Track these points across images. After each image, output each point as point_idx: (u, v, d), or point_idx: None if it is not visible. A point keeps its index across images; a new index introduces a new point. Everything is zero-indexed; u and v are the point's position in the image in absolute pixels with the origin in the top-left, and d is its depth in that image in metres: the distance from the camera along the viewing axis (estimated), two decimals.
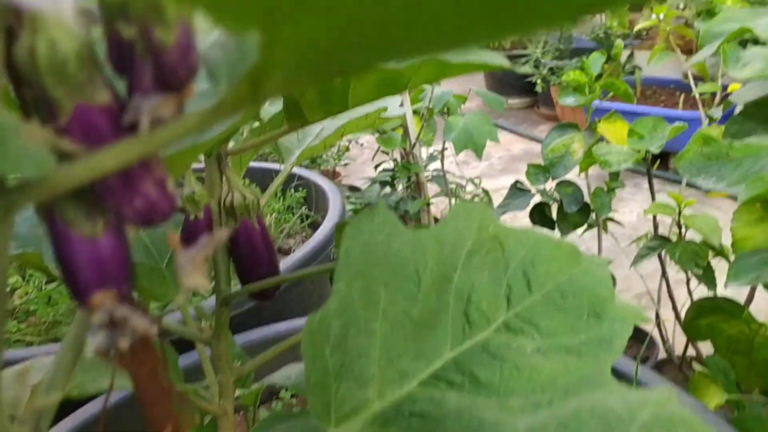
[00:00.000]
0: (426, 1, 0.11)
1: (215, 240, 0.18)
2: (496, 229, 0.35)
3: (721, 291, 0.85)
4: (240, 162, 0.50)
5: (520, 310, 0.33)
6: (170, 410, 0.24)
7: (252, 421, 0.65)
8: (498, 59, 0.36)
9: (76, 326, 0.22)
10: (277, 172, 1.26)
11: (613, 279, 1.49)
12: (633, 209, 2.59)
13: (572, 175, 1.37)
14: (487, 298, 0.33)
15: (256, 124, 0.48)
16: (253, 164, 1.21)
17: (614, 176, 1.33)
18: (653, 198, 1.04)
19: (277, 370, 0.65)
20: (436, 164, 1.90)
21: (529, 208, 1.45)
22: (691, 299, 1.01)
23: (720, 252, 0.81)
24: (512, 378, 0.30)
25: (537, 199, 1.44)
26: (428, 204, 1.61)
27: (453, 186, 1.96)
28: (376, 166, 2.11)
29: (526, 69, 3.34)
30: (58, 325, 0.84)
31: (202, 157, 0.43)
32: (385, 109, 0.56)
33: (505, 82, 3.86)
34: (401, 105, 0.61)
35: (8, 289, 0.88)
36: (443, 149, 1.77)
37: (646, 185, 2.90)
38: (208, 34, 0.17)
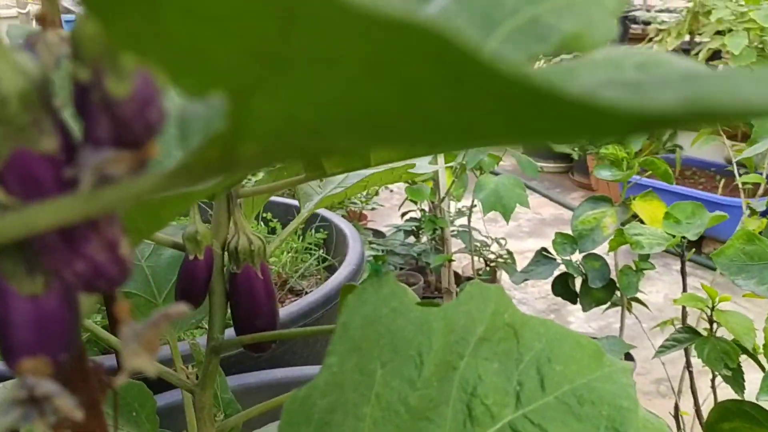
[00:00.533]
0: (424, 92, 0.09)
1: (169, 317, 0.15)
2: (512, 316, 0.32)
3: (749, 393, 0.80)
4: (252, 205, 0.47)
5: (530, 411, 0.30)
6: None
7: None
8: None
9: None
10: (296, 208, 1.24)
11: (633, 360, 1.43)
12: (660, 290, 2.52)
13: (599, 249, 1.33)
14: (494, 393, 0.30)
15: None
16: (275, 198, 1.20)
17: (644, 256, 1.29)
18: (684, 287, 1.00)
19: (271, 422, 0.62)
20: (464, 220, 1.87)
21: (552, 278, 1.41)
22: (715, 395, 0.95)
23: (752, 355, 0.76)
24: None
25: (562, 269, 1.40)
26: (450, 260, 1.57)
27: (478, 244, 1.92)
28: (403, 214, 2.09)
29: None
30: None
31: None
32: (413, 166, 0.54)
33: (543, 145, 3.83)
34: (431, 162, 0.59)
35: None
36: (472, 206, 1.75)
37: (676, 266, 2.81)
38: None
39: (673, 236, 0.90)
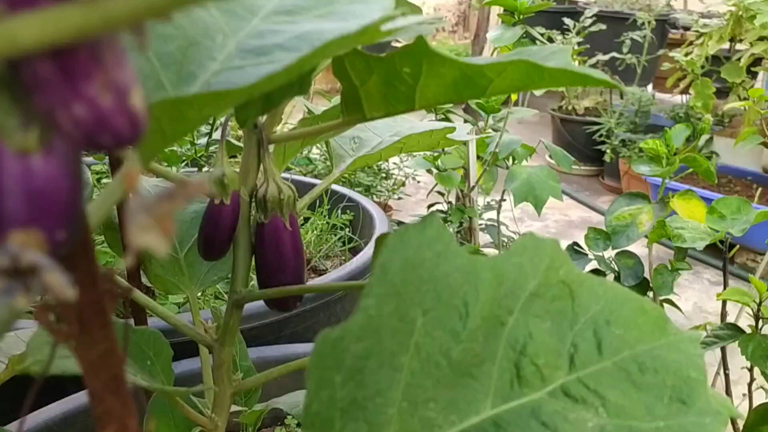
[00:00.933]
0: None
1: (188, 188, 0.13)
2: (568, 273, 0.28)
3: None
4: (284, 154, 0.44)
5: (585, 375, 0.26)
6: (126, 407, 0.19)
7: None
8: (602, 75, 0.30)
9: None
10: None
11: None
12: (689, 297, 2.46)
13: (632, 247, 1.28)
14: (545, 353, 0.26)
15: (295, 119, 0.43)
16: (294, 177, 1.17)
17: (681, 256, 1.24)
18: (726, 284, 0.95)
19: (288, 393, 0.59)
20: (492, 214, 1.83)
21: None
22: (750, 400, 0.91)
23: None
24: None
25: (594, 265, 1.35)
26: (478, 252, 1.54)
27: (505, 239, 1.88)
28: (429, 206, 2.05)
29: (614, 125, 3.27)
30: None
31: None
32: (452, 130, 0.50)
33: (573, 147, 3.77)
34: (467, 141, 0.56)
35: None
36: (501, 200, 1.71)
37: (707, 275, 2.74)
38: None
39: (717, 231, 0.86)
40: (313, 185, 1.23)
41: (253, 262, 0.41)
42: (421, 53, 0.29)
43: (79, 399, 0.60)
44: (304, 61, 0.21)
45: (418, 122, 0.56)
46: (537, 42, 1.39)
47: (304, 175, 1.38)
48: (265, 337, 0.80)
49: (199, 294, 0.85)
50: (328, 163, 1.63)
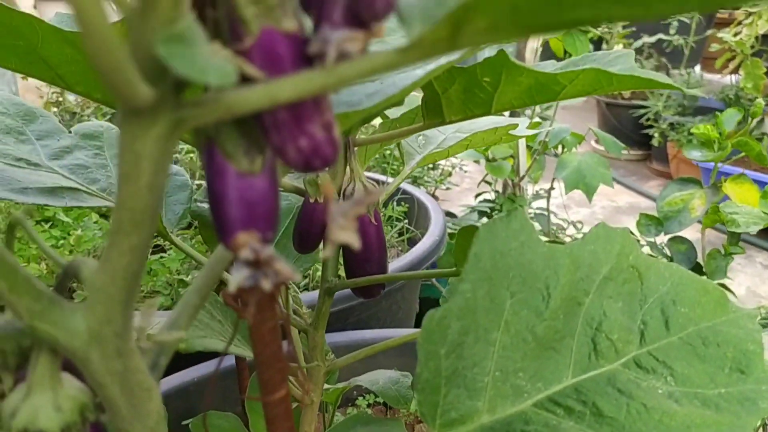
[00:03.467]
0: None
1: (371, 198, 0.17)
2: (636, 258, 0.32)
3: None
4: (365, 155, 0.49)
5: (654, 348, 0.30)
6: (284, 375, 0.23)
7: (330, 421, 0.64)
8: (665, 78, 0.33)
9: (206, 273, 0.21)
10: (382, 182, 1.25)
11: None
12: (742, 282, 2.43)
13: (684, 233, 1.29)
14: (618, 330, 0.30)
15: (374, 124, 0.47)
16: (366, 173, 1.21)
17: (734, 240, 1.25)
18: None
19: (357, 376, 0.64)
20: (539, 203, 1.85)
21: None
22: None
23: None
24: (640, 418, 0.27)
25: (646, 251, 1.37)
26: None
27: (554, 228, 1.90)
28: (477, 195, 2.08)
29: (665, 110, 3.23)
30: (156, 295, 0.87)
31: None
32: (515, 126, 0.54)
33: (620, 132, 3.73)
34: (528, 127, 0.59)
35: None
36: (551, 188, 1.73)
37: (760, 258, 2.69)
38: None
39: None
40: (377, 180, 1.28)
41: (340, 255, 0.45)
42: (501, 64, 0.33)
43: (201, 369, 0.67)
44: (415, 84, 0.25)
45: (480, 119, 0.60)
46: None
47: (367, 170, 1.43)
48: (332, 325, 0.85)
49: None
50: (378, 157, 1.67)
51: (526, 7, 0.13)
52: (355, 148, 0.44)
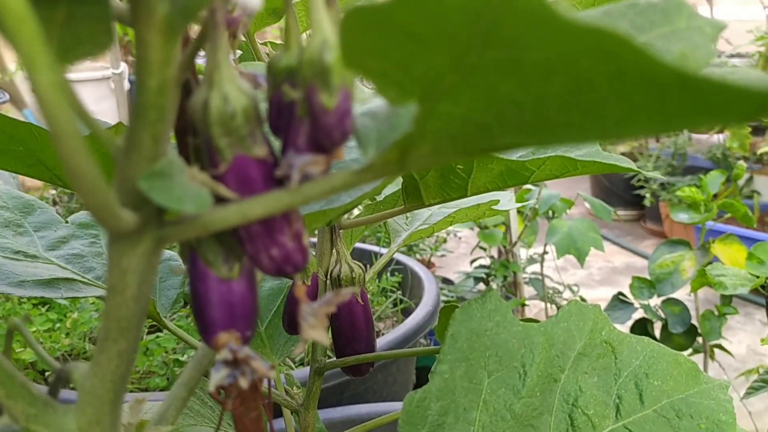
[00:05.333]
0: (590, 86, 0.11)
1: (339, 298, 0.19)
2: (609, 334, 0.33)
3: None
4: (350, 237, 0.51)
5: (630, 422, 0.31)
6: None
7: None
8: (628, 162, 0.36)
9: (193, 366, 0.23)
10: (375, 253, 1.27)
11: None
12: (742, 340, 2.42)
13: (678, 293, 1.30)
14: (594, 404, 0.31)
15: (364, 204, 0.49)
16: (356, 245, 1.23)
17: (727, 301, 1.26)
18: None
19: None
20: (535, 267, 1.86)
21: (630, 322, 1.38)
22: None
23: None
24: None
25: (640, 314, 1.37)
26: (523, 305, 1.57)
27: (550, 291, 1.90)
28: (472, 261, 2.09)
29: (652, 172, 3.27)
30: (152, 376, 0.87)
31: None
32: (497, 202, 0.56)
33: (612, 193, 3.78)
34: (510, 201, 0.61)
35: None
36: (544, 252, 1.74)
37: (759, 315, 2.68)
38: (361, 103, 0.18)
39: (757, 277, 0.89)
40: (371, 251, 1.30)
41: (329, 334, 0.46)
42: None
43: None
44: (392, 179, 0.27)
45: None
46: None
47: (363, 241, 1.45)
48: (329, 400, 0.85)
49: None
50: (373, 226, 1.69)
51: (462, 136, 0.15)
52: (341, 231, 0.46)
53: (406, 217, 0.60)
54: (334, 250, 0.45)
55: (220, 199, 0.17)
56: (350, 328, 0.45)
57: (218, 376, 0.17)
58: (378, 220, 0.46)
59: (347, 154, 0.22)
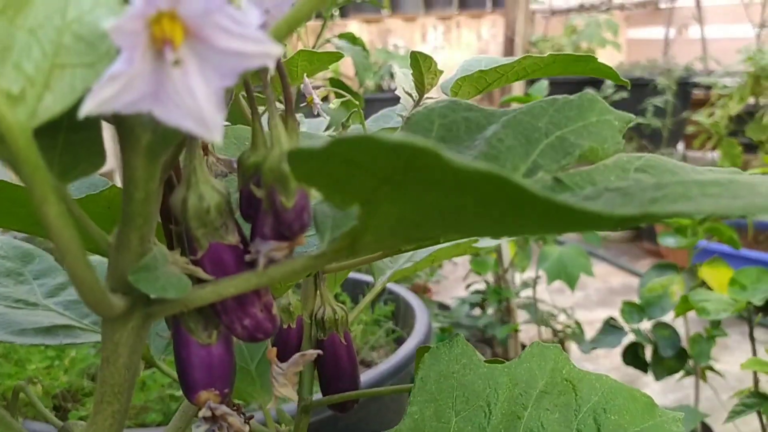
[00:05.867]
0: (493, 204, 0.14)
1: (306, 358, 0.21)
2: (570, 372, 0.36)
3: None
4: (335, 278, 0.53)
5: None
6: None
7: None
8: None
9: (179, 418, 0.25)
10: (368, 283, 1.30)
11: None
12: (738, 358, 2.42)
13: (670, 315, 1.33)
14: None
15: None
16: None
17: (715, 323, 1.28)
18: (754, 351, 0.99)
19: None
20: (529, 291, 1.89)
21: (621, 347, 1.41)
22: None
23: None
24: None
25: (631, 337, 1.40)
26: (516, 330, 1.59)
27: (545, 315, 1.93)
28: (468, 286, 2.12)
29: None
30: (148, 411, 0.89)
31: None
32: (476, 240, 0.59)
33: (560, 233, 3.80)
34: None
35: None
36: (536, 277, 1.77)
37: (755, 334, 2.70)
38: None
39: (739, 301, 0.91)
40: (363, 282, 1.33)
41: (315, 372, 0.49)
42: None
43: None
44: None
45: None
46: None
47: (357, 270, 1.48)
48: (323, 431, 0.87)
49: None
50: None
51: (399, 230, 0.17)
52: (325, 275, 0.49)
53: (391, 257, 0.62)
54: (317, 293, 0.48)
55: (199, 280, 0.19)
56: (334, 368, 0.47)
57: (199, 431, 0.20)
58: (361, 264, 0.48)
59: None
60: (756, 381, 0.97)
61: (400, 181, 0.15)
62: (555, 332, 1.91)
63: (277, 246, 0.19)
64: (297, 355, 0.21)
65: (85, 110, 0.13)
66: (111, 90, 0.13)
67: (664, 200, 0.14)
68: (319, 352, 0.22)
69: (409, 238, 0.18)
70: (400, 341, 1.23)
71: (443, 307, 2.29)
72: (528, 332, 2.23)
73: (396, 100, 0.51)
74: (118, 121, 0.16)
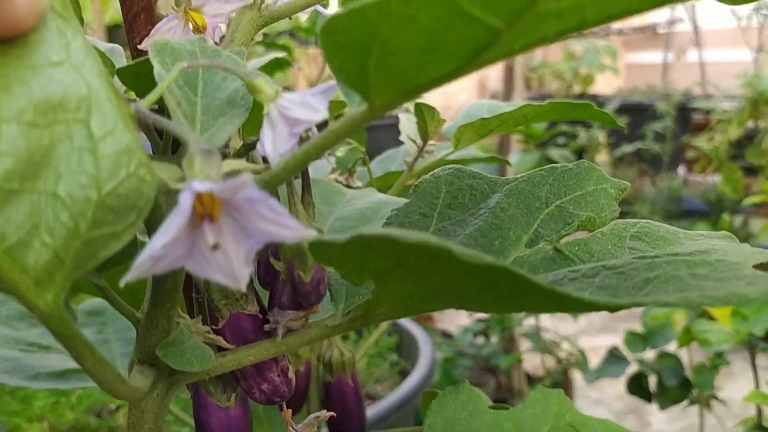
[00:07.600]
0: (495, 286, 0.16)
1: (319, 418, 0.22)
2: (573, 417, 0.37)
3: None
4: None
5: None
6: None
7: None
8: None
9: None
10: None
11: None
12: (742, 386, 2.41)
13: (673, 344, 1.33)
14: None
15: None
16: None
17: (718, 353, 1.28)
18: (756, 381, 1.00)
19: None
20: (531, 320, 1.89)
21: (625, 376, 1.41)
22: None
23: None
24: None
25: (634, 367, 1.40)
26: (520, 360, 1.59)
27: (548, 343, 1.92)
28: (471, 314, 2.12)
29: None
30: None
31: None
32: None
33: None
34: None
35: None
36: None
37: (762, 363, 2.69)
38: None
39: (741, 332, 0.92)
40: None
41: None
42: None
43: None
44: None
45: None
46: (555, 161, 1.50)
47: None
48: None
49: None
50: None
51: (409, 303, 0.19)
52: None
53: None
54: None
55: (220, 348, 0.21)
56: (342, 409, 0.48)
57: None
58: None
59: None
60: (759, 412, 0.97)
61: (411, 265, 0.16)
62: (559, 360, 1.91)
63: (295, 315, 0.20)
64: (312, 416, 0.22)
65: (125, 282, 0.14)
66: (151, 264, 0.14)
67: (656, 281, 0.16)
68: (333, 414, 0.23)
69: (419, 309, 0.19)
70: (404, 373, 1.23)
71: (446, 335, 2.28)
72: (531, 360, 2.23)
73: (394, 126, 0.53)
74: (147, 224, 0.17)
